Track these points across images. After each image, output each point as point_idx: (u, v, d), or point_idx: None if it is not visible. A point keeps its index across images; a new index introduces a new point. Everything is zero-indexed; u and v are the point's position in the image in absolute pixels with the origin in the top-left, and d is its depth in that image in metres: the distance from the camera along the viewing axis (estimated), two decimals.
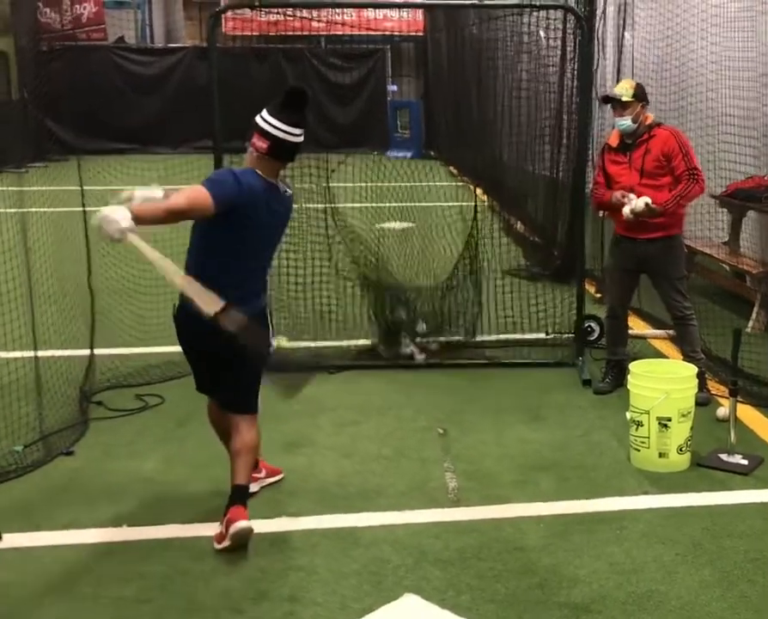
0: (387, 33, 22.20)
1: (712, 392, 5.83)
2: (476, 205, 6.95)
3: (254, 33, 8.89)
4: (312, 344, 6.79)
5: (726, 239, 8.36)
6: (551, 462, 4.97)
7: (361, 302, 6.97)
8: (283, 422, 5.38)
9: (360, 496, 4.57)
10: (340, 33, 18.26)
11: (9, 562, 3.96)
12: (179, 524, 4.26)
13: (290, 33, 11.46)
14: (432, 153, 19.71)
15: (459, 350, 6.76)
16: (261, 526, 4.12)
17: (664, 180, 5.62)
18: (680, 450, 4.83)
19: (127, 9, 25.46)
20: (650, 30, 8.92)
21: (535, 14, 9.33)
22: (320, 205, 6.81)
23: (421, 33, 22.82)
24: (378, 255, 7.04)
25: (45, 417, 5.25)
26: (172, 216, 3.83)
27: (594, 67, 8.09)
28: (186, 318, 4.08)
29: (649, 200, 5.50)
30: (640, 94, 5.67)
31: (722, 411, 5.41)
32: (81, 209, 6.16)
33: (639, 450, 4.89)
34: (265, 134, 4.01)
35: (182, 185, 4.01)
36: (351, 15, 16.38)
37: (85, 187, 6.12)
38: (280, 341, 6.40)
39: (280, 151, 4.04)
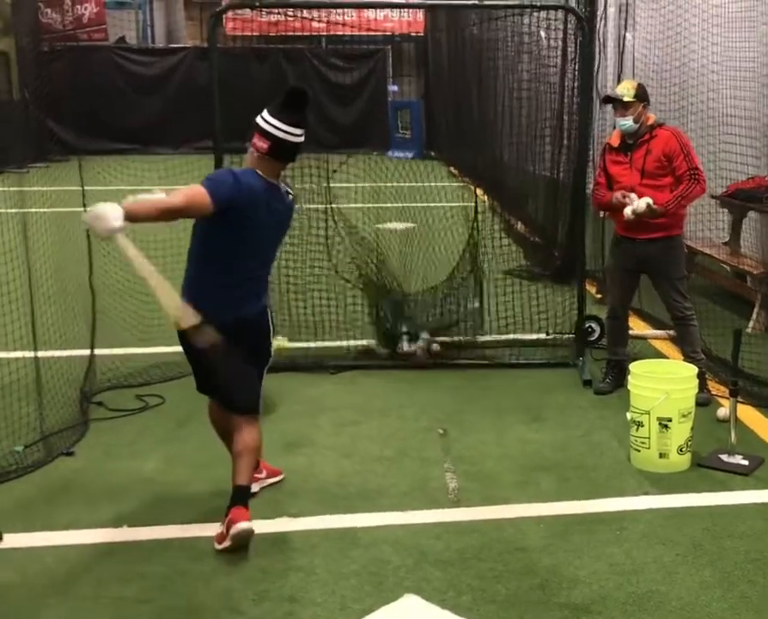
0: (387, 33, 22.20)
1: (713, 392, 5.83)
2: (476, 206, 6.95)
3: (255, 34, 8.89)
4: (312, 344, 6.79)
5: (726, 239, 8.36)
6: (551, 462, 4.97)
7: (361, 302, 6.97)
8: (284, 422, 5.38)
9: (360, 496, 4.57)
10: (341, 33, 18.23)
11: (9, 562, 3.96)
12: (179, 524, 4.27)
13: (291, 33, 11.46)
14: (433, 153, 19.71)
15: (459, 350, 6.76)
16: (261, 526, 4.12)
17: (665, 180, 5.62)
18: (681, 450, 4.83)
19: (128, 10, 25.47)
20: (651, 31, 8.92)
21: (536, 14, 9.33)
22: (320, 206, 6.81)
23: (421, 34, 22.83)
24: (378, 256, 7.05)
25: (45, 417, 5.25)
26: (167, 214, 3.82)
27: (596, 68, 8.10)
28: None
29: (650, 201, 5.50)
30: (642, 95, 5.67)
31: (723, 411, 5.41)
32: (82, 209, 6.16)
33: (639, 451, 4.89)
34: (265, 134, 4.01)
35: (183, 186, 4.00)
36: (352, 16, 16.37)
37: (86, 188, 6.12)
38: (280, 342, 6.40)
39: (281, 151, 4.04)
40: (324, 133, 18.17)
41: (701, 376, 5.40)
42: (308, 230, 6.86)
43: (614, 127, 6.02)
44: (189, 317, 3.73)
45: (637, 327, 7.15)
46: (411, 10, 20.45)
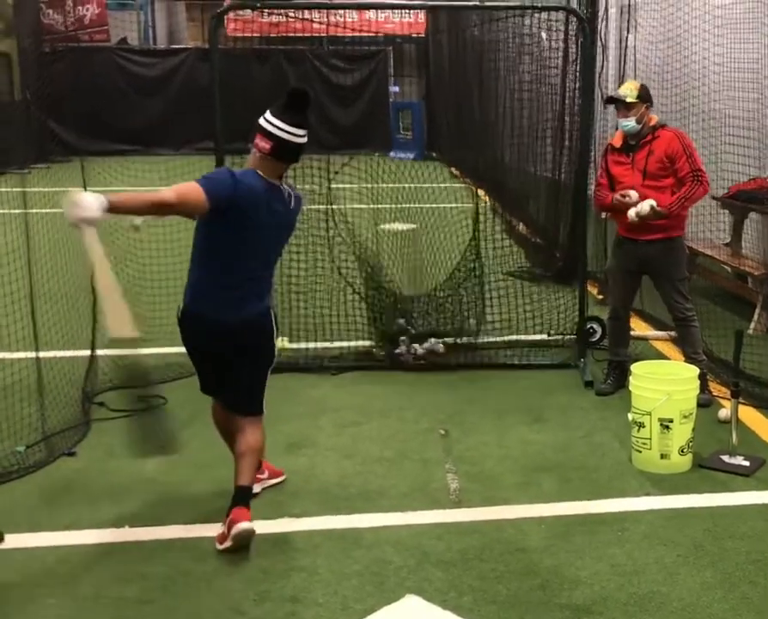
0: (388, 34, 22.20)
1: (714, 393, 5.83)
2: (478, 207, 6.96)
3: (256, 35, 8.91)
4: (313, 345, 6.79)
5: (728, 241, 8.36)
6: (552, 463, 4.97)
7: (360, 304, 6.97)
8: (285, 423, 5.38)
9: (361, 497, 4.57)
10: (342, 34, 18.25)
11: (11, 562, 3.96)
12: (181, 524, 4.27)
13: (292, 34, 11.47)
14: (434, 154, 19.72)
15: (460, 351, 6.76)
16: (263, 527, 4.13)
17: (667, 181, 5.63)
18: (682, 451, 4.83)
19: (130, 11, 25.47)
20: (653, 32, 8.92)
21: (537, 15, 9.34)
22: (321, 206, 6.81)
23: (423, 35, 22.83)
24: (378, 258, 7.05)
25: (47, 418, 5.25)
26: (158, 208, 3.81)
27: (599, 69, 8.10)
28: (191, 319, 4.09)
29: (654, 203, 5.51)
30: (644, 96, 5.68)
31: (724, 412, 5.42)
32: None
33: (641, 452, 4.89)
34: (267, 135, 4.01)
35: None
36: (353, 17, 16.39)
37: (88, 189, 6.11)
38: (282, 342, 6.40)
39: (283, 152, 4.04)
40: (325, 134, 18.16)
41: (702, 378, 5.41)
42: (310, 231, 6.86)
43: (616, 128, 6.03)
44: (128, 330, 3.67)
45: (639, 328, 7.15)
46: (412, 12, 20.48)
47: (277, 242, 4.24)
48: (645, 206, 5.51)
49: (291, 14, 7.95)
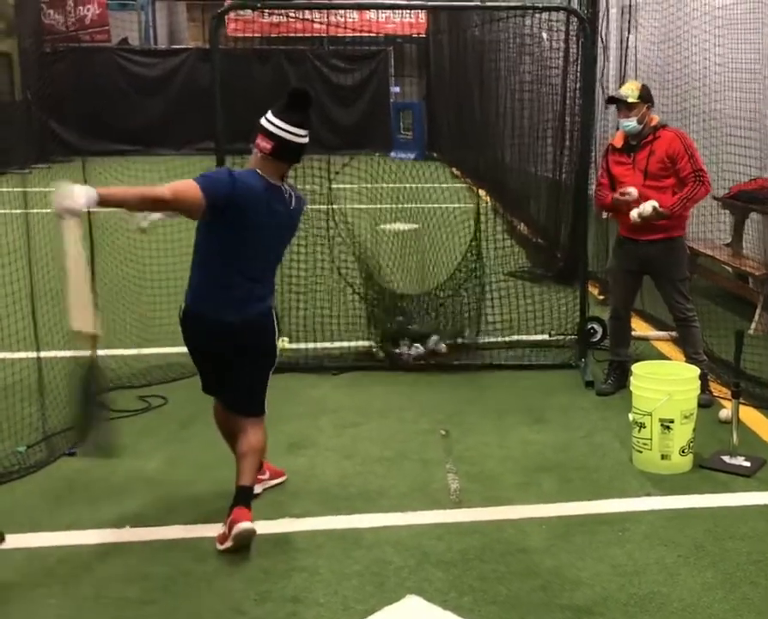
0: (389, 34, 22.20)
1: (715, 394, 5.82)
2: (479, 207, 6.96)
3: (257, 35, 8.90)
4: (314, 345, 6.79)
5: (728, 241, 8.36)
6: (553, 463, 4.97)
7: (359, 304, 6.96)
8: (285, 423, 5.38)
9: (362, 497, 4.57)
10: (342, 34, 18.24)
11: (11, 562, 3.96)
12: (182, 524, 4.27)
13: (293, 34, 11.46)
14: (435, 154, 19.72)
15: (461, 351, 6.76)
16: (264, 527, 4.13)
17: (668, 181, 5.63)
18: (683, 451, 4.82)
19: (130, 11, 25.50)
20: (654, 32, 8.92)
21: (538, 15, 9.34)
22: (322, 206, 6.81)
23: (423, 35, 22.82)
24: (377, 258, 7.05)
25: (48, 418, 5.25)
26: (151, 203, 3.81)
27: (601, 70, 8.10)
28: (193, 319, 4.10)
29: (656, 204, 5.51)
30: (646, 96, 5.68)
31: (725, 413, 5.42)
32: (84, 210, 6.16)
33: (641, 452, 4.89)
34: (269, 135, 4.01)
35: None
36: (354, 17, 16.37)
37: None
38: (282, 343, 6.40)
39: (284, 152, 4.04)
40: (326, 134, 18.17)
41: (703, 378, 5.41)
42: (311, 231, 6.86)
43: (617, 128, 6.03)
44: (89, 325, 3.67)
45: (640, 328, 7.14)
46: (412, 12, 20.47)
47: (278, 242, 4.23)
48: (647, 207, 5.52)
49: (292, 14, 7.95)
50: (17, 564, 3.95)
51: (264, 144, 4.02)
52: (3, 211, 6.33)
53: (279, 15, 7.71)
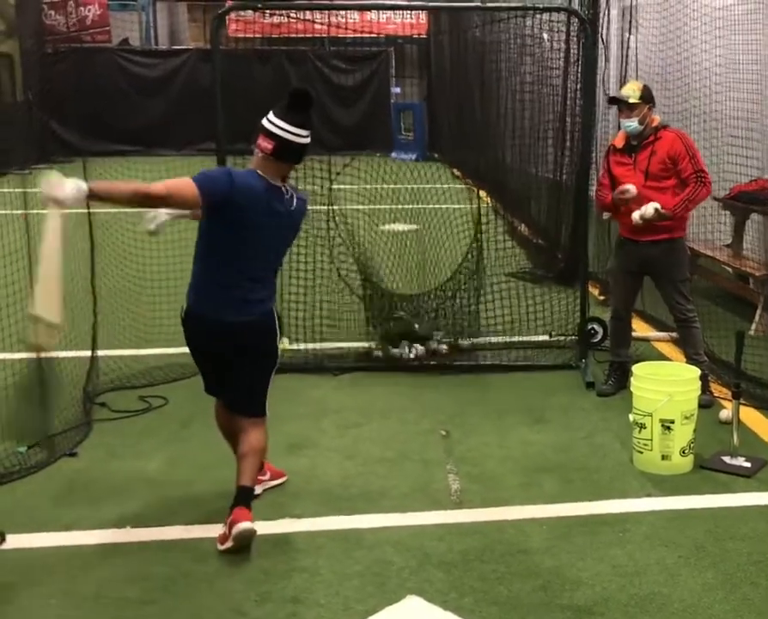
0: (390, 35, 22.19)
1: (715, 394, 5.82)
2: (479, 208, 6.96)
3: (258, 35, 8.91)
4: (315, 346, 6.79)
5: (729, 242, 8.36)
6: (554, 464, 4.97)
7: (358, 305, 6.96)
8: (286, 424, 5.38)
9: (363, 498, 4.57)
10: (343, 35, 18.24)
11: (12, 563, 3.97)
12: (182, 525, 4.27)
13: (294, 35, 11.47)
14: (436, 155, 19.72)
15: (462, 352, 6.76)
16: (264, 528, 4.13)
17: (668, 182, 5.63)
18: (683, 452, 4.82)
19: (131, 11, 25.49)
20: (655, 33, 8.92)
21: (539, 16, 9.35)
22: (322, 207, 6.81)
23: (424, 36, 22.81)
24: (378, 259, 7.05)
25: (48, 418, 5.25)
26: (144, 198, 3.81)
27: (601, 71, 8.10)
28: (193, 320, 4.10)
29: (658, 206, 5.51)
30: (647, 96, 5.68)
31: (725, 413, 5.42)
32: (85, 211, 6.18)
33: (642, 453, 4.89)
34: (270, 135, 4.01)
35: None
36: (354, 18, 16.36)
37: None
38: (283, 343, 6.40)
39: (285, 152, 4.03)
40: (327, 135, 18.15)
41: (703, 379, 5.41)
42: (311, 232, 6.86)
43: (619, 129, 6.03)
44: (53, 313, 3.67)
45: (640, 329, 7.15)
46: (413, 12, 20.45)
47: (278, 243, 4.21)
48: (649, 209, 5.52)
49: (293, 14, 7.95)
50: (18, 564, 3.95)
51: (265, 144, 4.02)
52: (3, 212, 6.33)
53: (280, 15, 7.71)
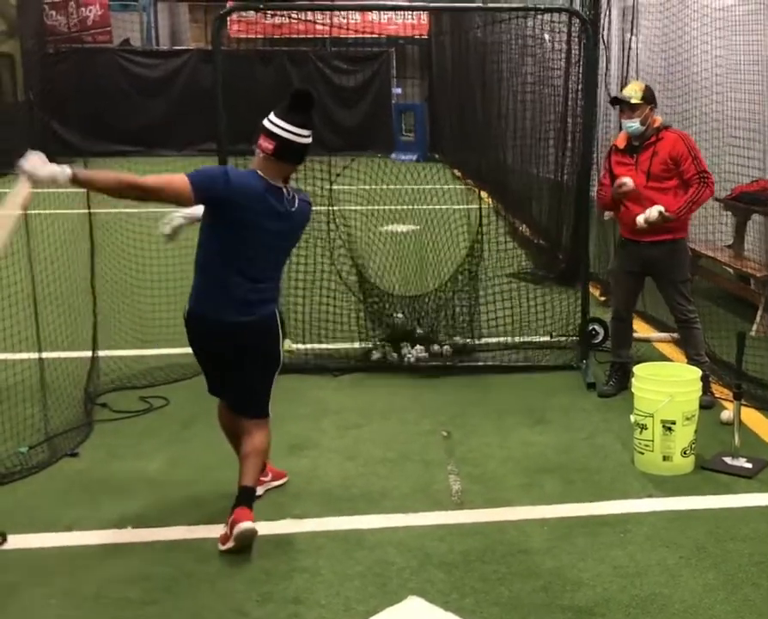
0: (391, 35, 22.18)
1: (716, 395, 5.82)
2: (480, 208, 6.96)
3: (259, 36, 8.90)
4: (316, 346, 6.79)
5: (730, 242, 8.36)
6: (555, 464, 4.97)
7: (356, 306, 6.96)
8: (287, 425, 5.38)
9: (364, 498, 4.57)
10: (345, 35, 18.24)
11: (13, 563, 3.97)
12: (184, 525, 4.27)
13: (295, 35, 11.47)
14: (437, 156, 19.72)
15: (462, 353, 6.75)
16: (265, 528, 4.13)
17: (670, 183, 5.63)
18: (684, 453, 4.82)
19: (132, 12, 25.50)
20: (656, 33, 8.92)
21: (540, 17, 9.35)
22: (323, 208, 6.81)
23: (425, 36, 22.81)
24: (378, 260, 7.04)
25: (49, 418, 5.26)
26: (131, 189, 3.83)
27: (604, 71, 8.09)
28: (196, 320, 4.10)
29: (662, 209, 5.51)
30: (649, 97, 5.68)
31: (726, 414, 5.41)
32: (86, 211, 6.18)
33: (643, 454, 4.89)
34: (271, 135, 4.01)
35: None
36: (356, 18, 16.35)
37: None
38: (287, 345, 6.40)
39: (286, 152, 4.03)
40: (328, 135, 18.15)
41: (705, 379, 5.41)
42: (312, 233, 6.86)
43: (620, 129, 6.03)
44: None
45: (641, 329, 7.15)
46: (415, 13, 20.45)
47: (278, 243, 4.18)
48: (654, 212, 5.52)
49: (294, 15, 7.95)
50: (19, 564, 3.95)
51: (266, 144, 4.02)
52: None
53: (282, 16, 7.71)
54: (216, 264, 4.05)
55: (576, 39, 8.69)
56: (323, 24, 10.00)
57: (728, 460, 4.89)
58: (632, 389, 5.04)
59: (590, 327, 6.76)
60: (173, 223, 4.37)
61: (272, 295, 4.22)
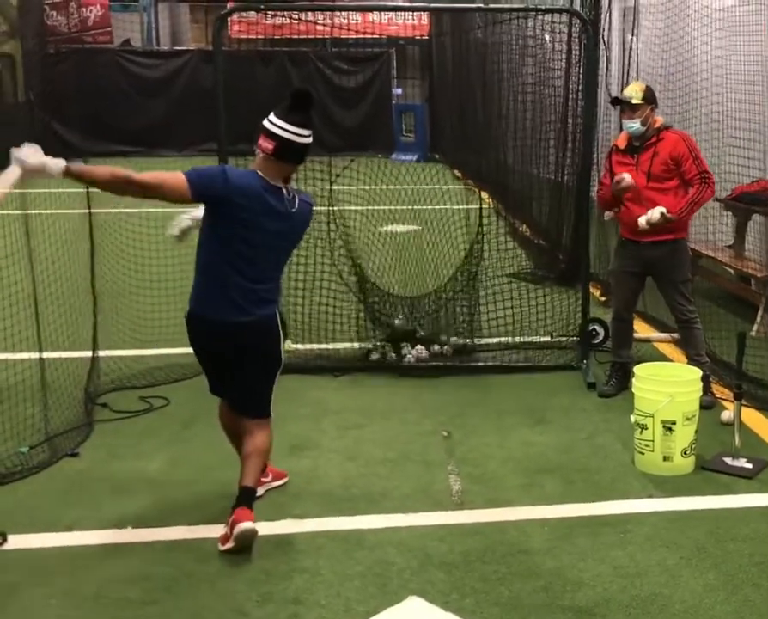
0: (392, 36, 22.19)
1: (717, 395, 5.82)
2: (481, 209, 6.96)
3: (260, 37, 8.91)
4: (316, 346, 6.79)
5: (731, 242, 8.36)
6: (555, 465, 4.97)
7: (356, 306, 6.96)
8: (288, 425, 5.38)
9: (364, 499, 4.57)
10: (345, 36, 18.25)
11: (13, 563, 3.97)
12: (184, 525, 4.27)
13: (296, 36, 11.48)
14: (437, 156, 19.73)
15: (462, 353, 6.75)
16: (266, 528, 4.13)
17: (671, 183, 5.63)
18: (685, 453, 4.82)
19: (133, 12, 25.50)
20: (657, 34, 8.92)
21: (540, 17, 9.36)
22: (323, 208, 6.81)
23: (426, 37, 22.82)
24: (377, 261, 7.03)
25: (50, 419, 5.26)
26: (126, 183, 3.83)
27: (604, 71, 8.09)
28: (196, 320, 4.10)
29: (664, 210, 5.51)
30: (650, 97, 5.68)
31: (727, 414, 5.41)
32: (86, 211, 6.18)
33: (643, 454, 4.88)
34: (271, 135, 4.01)
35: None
36: (356, 19, 16.36)
37: (90, 189, 6.12)
38: (287, 345, 6.40)
39: (286, 152, 4.03)
40: (328, 136, 18.15)
41: (705, 380, 5.41)
42: (312, 233, 6.85)
43: (621, 129, 6.03)
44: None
45: (642, 329, 7.15)
46: (415, 14, 20.46)
47: (279, 244, 4.18)
48: (656, 214, 5.52)
49: (295, 16, 7.95)
50: (19, 564, 3.95)
51: (266, 144, 4.02)
52: (3, 212, 6.33)
53: (282, 16, 7.71)
54: (216, 264, 4.05)
55: (577, 40, 8.69)
56: (324, 24, 9.99)
57: (728, 460, 4.89)
58: (633, 389, 5.04)
59: (590, 328, 6.76)
60: (182, 225, 4.37)
61: (273, 295, 4.21)
